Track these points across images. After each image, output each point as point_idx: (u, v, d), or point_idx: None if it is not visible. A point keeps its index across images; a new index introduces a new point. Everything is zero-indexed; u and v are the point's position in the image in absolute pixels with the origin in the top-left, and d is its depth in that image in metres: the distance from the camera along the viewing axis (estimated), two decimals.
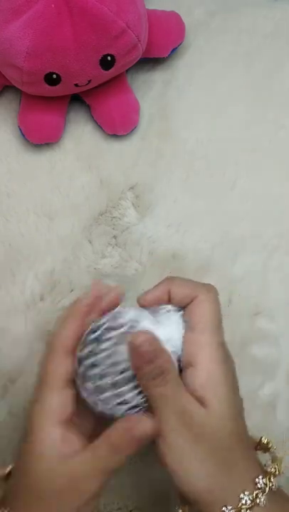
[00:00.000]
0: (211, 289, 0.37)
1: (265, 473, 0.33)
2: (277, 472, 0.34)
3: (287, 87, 0.54)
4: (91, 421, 0.37)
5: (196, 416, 0.33)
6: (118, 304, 0.38)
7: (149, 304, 0.37)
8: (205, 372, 0.34)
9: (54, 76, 0.46)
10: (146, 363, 0.33)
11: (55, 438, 0.33)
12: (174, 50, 0.53)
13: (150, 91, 0.54)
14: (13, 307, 0.49)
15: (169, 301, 0.37)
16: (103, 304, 0.37)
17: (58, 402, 0.34)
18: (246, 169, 0.53)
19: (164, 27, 0.52)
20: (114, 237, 0.51)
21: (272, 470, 0.34)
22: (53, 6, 0.43)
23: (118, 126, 0.52)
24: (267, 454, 0.36)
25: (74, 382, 0.35)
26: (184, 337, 0.36)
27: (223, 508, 0.32)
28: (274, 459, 0.35)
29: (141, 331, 0.34)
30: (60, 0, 0.43)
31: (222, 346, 0.35)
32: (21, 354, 0.48)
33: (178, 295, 0.37)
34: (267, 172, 0.53)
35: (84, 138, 0.53)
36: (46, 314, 0.49)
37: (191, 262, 0.51)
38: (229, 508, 0.32)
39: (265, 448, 0.36)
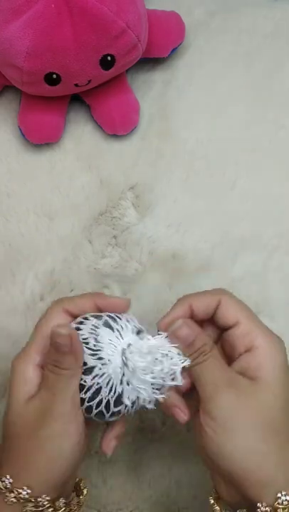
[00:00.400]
0: (226, 291, 0.39)
1: None
2: None
3: (287, 87, 0.54)
4: None
5: (244, 387, 0.34)
6: None
7: (167, 328, 0.37)
8: (262, 355, 0.35)
9: (54, 76, 0.46)
10: (186, 347, 0.35)
11: (27, 377, 0.35)
12: (174, 50, 0.53)
13: (150, 91, 0.54)
14: (13, 307, 0.49)
15: (192, 317, 0.38)
16: None
17: (39, 345, 0.36)
18: (246, 169, 0.53)
19: (164, 27, 0.52)
20: (114, 237, 0.51)
21: None
22: (53, 6, 0.43)
23: (118, 126, 0.52)
24: None
25: None
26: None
27: (279, 494, 0.32)
28: None
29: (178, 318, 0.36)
30: (60, 0, 0.43)
31: (270, 330, 0.37)
32: None
33: (200, 306, 0.38)
34: (267, 172, 0.53)
35: (84, 138, 0.53)
36: None
37: (191, 262, 0.51)
38: (284, 493, 0.32)
39: None
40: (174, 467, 0.48)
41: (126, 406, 0.36)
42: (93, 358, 0.35)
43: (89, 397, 0.35)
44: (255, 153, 0.53)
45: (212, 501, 0.36)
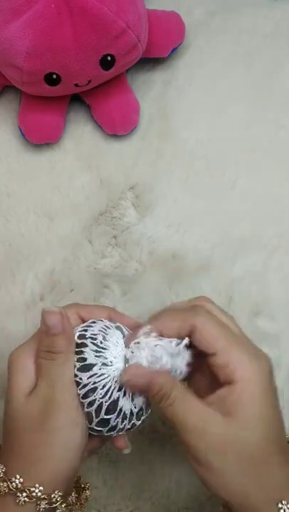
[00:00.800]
0: (201, 310, 0.37)
1: None
2: None
3: (287, 87, 0.54)
4: None
5: (217, 425, 0.33)
6: None
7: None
8: (239, 391, 0.34)
9: (54, 76, 0.46)
10: (146, 392, 0.34)
11: (28, 369, 0.35)
12: (174, 50, 0.53)
13: (150, 91, 0.54)
14: (13, 307, 0.49)
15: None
16: None
17: (37, 341, 0.36)
18: (246, 169, 0.53)
19: (164, 27, 0.52)
20: (114, 237, 0.51)
21: None
22: (53, 6, 0.43)
23: (118, 126, 0.52)
24: None
25: None
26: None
27: None
28: None
29: (128, 368, 0.35)
30: (60, 0, 0.43)
31: (252, 354, 0.35)
32: None
33: (169, 332, 0.36)
34: (267, 172, 0.53)
35: (84, 138, 0.53)
36: None
37: (191, 262, 0.51)
38: None
39: None
40: (174, 467, 0.48)
41: (117, 417, 0.35)
42: (96, 354, 0.35)
43: (82, 395, 0.34)
44: (255, 153, 0.53)
45: (221, 508, 0.36)
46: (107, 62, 0.46)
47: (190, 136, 0.53)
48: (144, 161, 0.53)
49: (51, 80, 0.46)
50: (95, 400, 0.34)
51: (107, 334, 0.36)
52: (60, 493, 0.33)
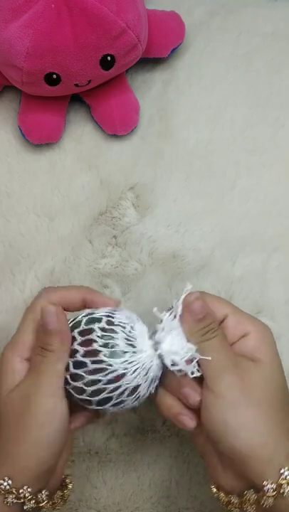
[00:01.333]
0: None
1: None
2: None
3: (287, 87, 0.54)
4: None
5: (246, 367, 0.35)
6: None
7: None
8: (256, 338, 0.37)
9: (54, 76, 0.46)
10: (197, 321, 0.36)
11: (16, 368, 0.35)
12: (174, 50, 0.53)
13: (150, 91, 0.54)
14: (13, 307, 0.49)
15: None
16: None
17: (26, 339, 0.36)
18: (246, 169, 0.53)
19: (164, 27, 0.52)
20: (114, 237, 0.51)
21: None
22: (53, 6, 0.43)
23: (118, 126, 0.52)
24: None
25: None
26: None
27: (282, 470, 0.33)
28: None
29: (192, 293, 0.37)
30: (60, 0, 0.43)
31: (261, 321, 0.39)
32: None
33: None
34: (267, 172, 0.53)
35: (84, 138, 0.53)
36: None
37: (191, 262, 0.51)
38: (287, 468, 0.33)
39: None
40: (174, 467, 0.48)
41: (133, 400, 0.36)
42: (126, 343, 0.36)
43: (107, 380, 0.35)
44: (255, 153, 0.53)
45: (214, 489, 0.37)
46: (107, 62, 0.46)
47: (190, 136, 0.53)
48: (144, 161, 0.53)
49: (51, 80, 0.46)
50: (120, 386, 0.35)
51: (133, 324, 0.37)
52: (29, 490, 0.33)
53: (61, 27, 0.43)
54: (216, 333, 0.36)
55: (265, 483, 0.33)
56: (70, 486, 0.38)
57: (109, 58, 0.46)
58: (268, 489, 0.33)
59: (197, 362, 0.36)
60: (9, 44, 0.44)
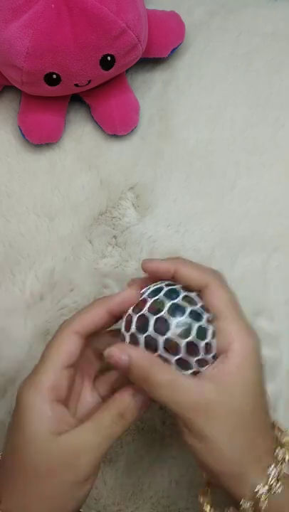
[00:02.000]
0: (219, 276, 0.38)
1: (281, 446, 0.34)
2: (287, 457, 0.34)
3: (287, 87, 0.54)
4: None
5: (208, 393, 0.33)
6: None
7: (149, 271, 0.37)
8: (234, 363, 0.34)
9: (54, 76, 0.46)
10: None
11: (47, 415, 0.33)
12: (174, 50, 0.53)
13: (150, 91, 0.54)
14: (13, 307, 0.49)
15: (172, 279, 0.37)
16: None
17: (52, 381, 0.34)
18: (246, 169, 0.53)
19: (164, 27, 0.52)
20: (114, 237, 0.51)
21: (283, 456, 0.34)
22: (53, 6, 0.43)
23: (118, 126, 0.52)
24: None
25: (75, 364, 0.36)
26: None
27: (257, 488, 0.32)
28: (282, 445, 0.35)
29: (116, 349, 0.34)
30: (60, 0, 0.43)
31: (249, 329, 0.36)
32: (21, 354, 0.48)
33: (185, 278, 0.36)
34: (267, 172, 0.53)
35: (84, 138, 0.53)
36: (46, 314, 0.49)
37: None
38: (261, 485, 0.32)
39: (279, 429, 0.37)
40: (174, 468, 0.48)
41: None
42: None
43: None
44: (255, 153, 0.53)
45: (201, 499, 0.37)
46: (107, 62, 0.46)
47: (190, 136, 0.53)
48: (144, 161, 0.53)
49: (51, 80, 0.46)
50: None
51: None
52: None
53: (61, 27, 0.43)
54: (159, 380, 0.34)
55: (242, 501, 0.33)
56: None
57: (109, 58, 0.46)
58: (246, 508, 0.33)
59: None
60: (9, 44, 0.44)
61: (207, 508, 0.36)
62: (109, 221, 0.52)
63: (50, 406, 0.33)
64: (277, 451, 0.34)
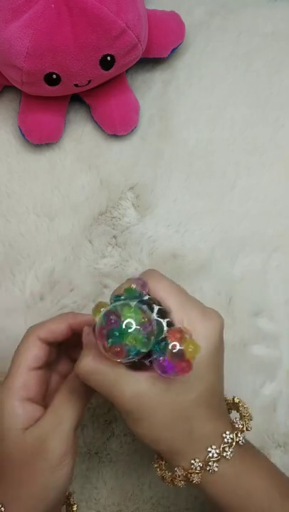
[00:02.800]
0: (153, 271, 0.38)
1: (233, 429, 0.36)
2: (244, 428, 0.36)
3: (287, 87, 0.54)
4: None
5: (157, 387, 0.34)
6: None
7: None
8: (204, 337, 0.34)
9: (54, 76, 0.46)
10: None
11: (18, 413, 0.36)
12: (174, 50, 0.53)
13: (150, 91, 0.54)
14: (13, 307, 0.49)
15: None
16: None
17: (21, 382, 0.36)
18: (246, 169, 0.53)
19: (164, 27, 0.52)
20: (114, 237, 0.51)
21: (240, 426, 0.36)
22: (53, 6, 0.43)
23: (118, 126, 0.52)
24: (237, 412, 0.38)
25: (44, 366, 0.38)
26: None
27: (192, 461, 0.35)
28: (242, 417, 0.37)
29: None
30: (60, 0, 0.43)
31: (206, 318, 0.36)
32: None
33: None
34: (267, 172, 0.53)
35: (84, 138, 0.53)
36: (46, 314, 0.49)
37: (191, 262, 0.51)
38: (197, 460, 0.35)
39: (237, 407, 0.38)
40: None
41: None
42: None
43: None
44: (255, 153, 0.53)
45: (155, 465, 0.39)
46: (107, 62, 0.46)
47: (190, 136, 0.53)
48: (144, 161, 0.53)
49: (51, 80, 0.46)
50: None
51: None
52: None
53: (61, 27, 0.43)
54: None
55: (192, 461, 0.35)
56: (75, 508, 0.40)
57: (109, 58, 0.46)
58: (196, 467, 0.34)
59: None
60: (9, 44, 0.44)
61: (157, 471, 0.38)
62: (109, 221, 0.51)
63: (20, 404, 0.36)
64: (235, 419, 0.36)
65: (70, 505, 0.40)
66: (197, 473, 0.35)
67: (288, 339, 0.50)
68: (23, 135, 0.51)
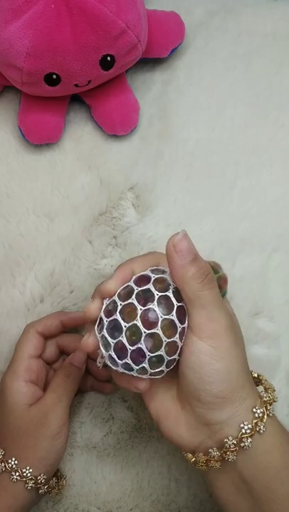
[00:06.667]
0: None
1: (262, 403, 0.37)
2: (272, 400, 0.37)
3: (287, 87, 0.54)
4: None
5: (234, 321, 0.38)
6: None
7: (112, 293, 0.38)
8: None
9: (54, 76, 0.46)
10: (189, 263, 0.35)
11: (23, 391, 0.43)
12: (173, 50, 0.53)
13: (150, 91, 0.54)
14: (13, 309, 0.50)
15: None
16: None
17: (24, 366, 0.44)
18: (246, 169, 0.53)
19: (164, 27, 0.51)
20: (114, 237, 0.51)
21: (267, 399, 0.37)
22: (52, 6, 0.43)
23: (118, 126, 0.52)
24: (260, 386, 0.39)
25: (42, 356, 0.45)
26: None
27: (226, 440, 0.35)
28: (266, 389, 0.38)
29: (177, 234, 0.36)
30: (60, 0, 0.43)
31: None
32: None
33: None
34: (267, 172, 0.53)
35: (84, 138, 0.53)
36: None
37: None
38: (230, 438, 0.35)
39: (257, 381, 0.40)
40: (172, 466, 0.48)
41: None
42: None
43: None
44: (255, 153, 0.53)
45: (184, 453, 0.39)
46: (106, 63, 0.46)
47: (190, 136, 0.53)
48: (144, 161, 0.53)
49: (51, 80, 0.46)
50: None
51: None
52: (44, 477, 0.41)
53: (61, 27, 0.43)
54: (214, 283, 0.36)
55: (226, 440, 0.35)
56: (65, 476, 0.47)
57: (109, 58, 0.46)
58: (230, 445, 0.35)
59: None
60: (9, 44, 0.44)
61: (188, 454, 0.38)
62: (109, 221, 0.52)
63: (25, 384, 0.43)
64: (262, 393, 0.37)
65: (59, 476, 0.46)
66: (232, 450, 0.35)
67: (288, 339, 0.50)
68: (23, 135, 0.51)
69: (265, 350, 0.49)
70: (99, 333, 0.36)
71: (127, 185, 0.52)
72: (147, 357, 0.34)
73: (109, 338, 0.35)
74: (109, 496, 0.48)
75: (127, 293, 0.36)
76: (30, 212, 0.51)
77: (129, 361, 0.35)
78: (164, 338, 0.34)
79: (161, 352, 0.35)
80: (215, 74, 0.55)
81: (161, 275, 0.37)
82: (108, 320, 0.36)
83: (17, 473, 0.40)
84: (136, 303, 0.35)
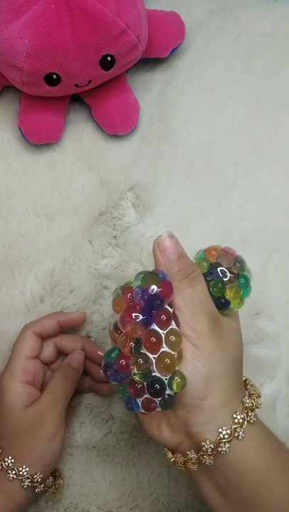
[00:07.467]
0: None
1: (243, 409, 0.36)
2: (254, 406, 0.37)
3: (287, 87, 0.54)
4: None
5: (222, 320, 0.38)
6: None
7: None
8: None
9: (54, 76, 0.46)
10: (172, 261, 0.37)
11: (20, 392, 0.43)
12: (173, 50, 0.53)
13: (150, 91, 0.54)
14: (13, 309, 0.49)
15: None
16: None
17: (21, 367, 0.44)
18: (246, 169, 0.53)
19: (164, 27, 0.51)
20: (115, 237, 0.51)
21: (249, 405, 0.37)
22: (53, 6, 0.43)
23: (118, 126, 0.52)
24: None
25: (39, 357, 0.46)
26: None
27: (203, 443, 0.35)
28: (250, 395, 0.38)
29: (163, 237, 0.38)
30: (60, 0, 0.43)
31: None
32: None
33: None
34: (267, 172, 0.53)
35: (84, 138, 0.53)
36: None
37: None
38: (208, 442, 0.35)
39: (244, 385, 0.40)
40: (172, 466, 0.48)
41: None
42: None
43: None
44: (255, 153, 0.53)
45: (166, 451, 0.39)
46: (107, 63, 0.46)
47: (190, 136, 0.53)
48: (144, 161, 0.53)
49: (51, 80, 0.46)
50: None
51: None
52: (40, 476, 0.41)
53: (61, 27, 0.43)
54: (197, 283, 0.36)
55: (203, 443, 0.35)
56: (62, 476, 0.47)
57: (109, 58, 0.46)
58: (207, 449, 0.35)
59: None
60: (9, 44, 0.44)
61: (168, 453, 0.39)
62: (110, 221, 0.52)
63: (21, 385, 0.43)
64: (245, 399, 0.37)
65: (56, 476, 0.46)
66: (209, 454, 0.35)
67: (288, 339, 0.50)
68: (23, 135, 0.51)
69: (265, 350, 0.49)
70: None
71: (127, 185, 0.52)
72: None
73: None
74: (109, 496, 0.48)
75: None
76: (30, 212, 0.51)
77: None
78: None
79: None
80: (215, 74, 0.55)
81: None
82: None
83: (13, 472, 0.41)
84: None
